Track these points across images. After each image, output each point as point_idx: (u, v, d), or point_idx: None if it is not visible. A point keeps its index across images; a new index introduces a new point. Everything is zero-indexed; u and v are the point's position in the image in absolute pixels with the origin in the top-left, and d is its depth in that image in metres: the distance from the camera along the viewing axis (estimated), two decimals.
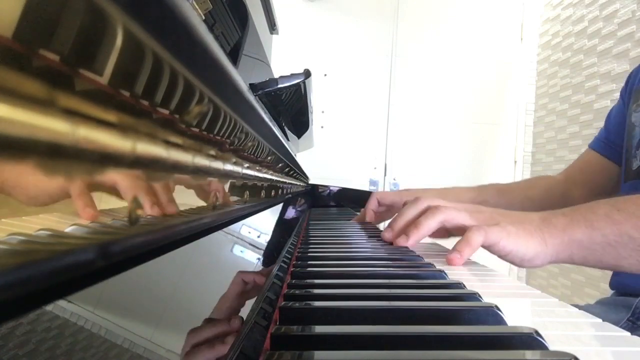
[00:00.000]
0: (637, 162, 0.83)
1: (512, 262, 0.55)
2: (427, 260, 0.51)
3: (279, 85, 0.50)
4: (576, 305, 0.85)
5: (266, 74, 0.80)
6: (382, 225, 0.96)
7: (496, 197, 0.96)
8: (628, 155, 0.86)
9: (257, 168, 0.42)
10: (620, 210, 0.55)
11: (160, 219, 0.19)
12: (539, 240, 0.54)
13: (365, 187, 2.73)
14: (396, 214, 0.66)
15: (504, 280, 0.50)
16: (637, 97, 0.86)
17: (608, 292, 0.87)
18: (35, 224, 0.11)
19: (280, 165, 0.60)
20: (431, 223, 0.59)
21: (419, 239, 0.59)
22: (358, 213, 1.31)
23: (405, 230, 0.60)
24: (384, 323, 0.28)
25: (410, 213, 0.63)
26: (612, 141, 0.95)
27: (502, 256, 0.55)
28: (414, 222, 0.60)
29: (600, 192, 0.95)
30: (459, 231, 0.58)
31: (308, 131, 1.08)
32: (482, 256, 0.59)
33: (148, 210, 0.17)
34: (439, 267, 0.46)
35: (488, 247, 0.54)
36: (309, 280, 0.39)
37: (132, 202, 0.16)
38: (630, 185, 0.84)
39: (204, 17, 0.36)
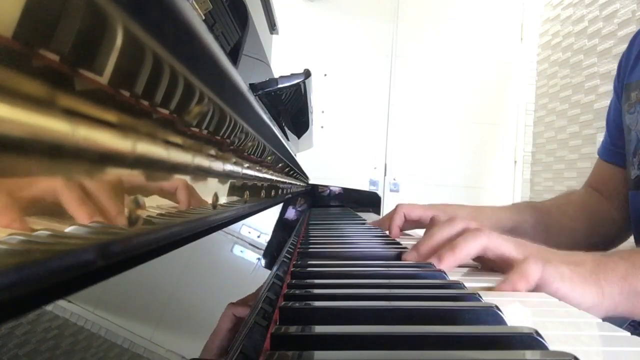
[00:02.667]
0: (635, 171, 0.76)
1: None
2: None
3: (279, 85, 0.50)
4: None
5: (266, 74, 0.80)
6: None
7: (536, 216, 0.86)
8: (627, 162, 0.79)
9: (257, 168, 0.43)
10: None
11: (160, 219, 0.19)
12: (595, 288, 0.46)
13: (365, 187, 2.73)
14: (424, 234, 0.56)
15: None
16: (629, 95, 0.78)
17: None
18: (35, 224, 0.11)
19: (280, 165, 0.60)
20: (471, 247, 0.49)
21: (453, 264, 0.49)
22: (358, 213, 1.31)
23: (438, 252, 0.50)
24: (384, 323, 0.28)
25: (443, 234, 0.53)
26: (616, 145, 0.86)
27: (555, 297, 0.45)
28: (450, 244, 0.50)
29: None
30: (501, 264, 0.49)
31: (308, 131, 1.08)
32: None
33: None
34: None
35: (538, 287, 0.45)
36: (309, 280, 0.39)
37: (132, 202, 0.16)
38: (634, 195, 0.77)
39: (204, 17, 0.36)
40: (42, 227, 0.11)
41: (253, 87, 0.47)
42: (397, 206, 0.82)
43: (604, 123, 0.94)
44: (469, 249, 0.49)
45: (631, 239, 0.87)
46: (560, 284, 0.44)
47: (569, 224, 0.88)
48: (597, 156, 0.95)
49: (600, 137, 0.95)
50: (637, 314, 0.47)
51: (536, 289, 0.45)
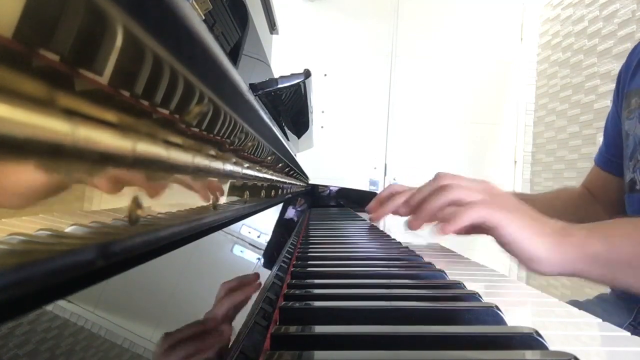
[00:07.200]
0: (630, 174, 0.78)
1: (516, 258, 0.52)
2: (427, 260, 0.51)
3: (279, 85, 0.50)
4: (576, 301, 0.83)
5: (266, 74, 0.80)
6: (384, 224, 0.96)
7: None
8: (624, 166, 0.82)
9: (257, 168, 0.43)
10: None
11: (160, 219, 0.19)
12: (549, 245, 0.50)
13: (365, 187, 2.73)
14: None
15: (504, 281, 0.50)
16: (629, 102, 0.81)
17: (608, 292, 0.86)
18: (35, 224, 0.11)
19: (280, 165, 0.60)
20: (444, 203, 0.55)
21: (452, 230, 0.53)
22: (358, 213, 1.31)
23: (437, 219, 0.55)
24: (384, 323, 0.28)
25: (424, 191, 0.60)
26: (612, 154, 0.89)
27: (502, 245, 0.52)
28: (442, 216, 0.55)
29: (620, 209, 0.87)
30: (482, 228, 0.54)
31: (308, 131, 1.08)
32: (481, 256, 0.59)
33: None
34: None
35: (488, 230, 0.51)
36: (309, 280, 0.39)
37: (132, 202, 0.16)
38: (628, 198, 0.80)
39: (204, 17, 0.36)
40: (41, 227, 0.11)
41: (253, 87, 0.47)
42: (389, 187, 0.78)
43: (604, 123, 0.95)
44: (470, 216, 0.52)
45: None
46: (507, 230, 0.50)
47: (553, 215, 0.90)
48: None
49: (600, 137, 0.96)
50: (589, 275, 0.52)
51: (488, 232, 0.51)
